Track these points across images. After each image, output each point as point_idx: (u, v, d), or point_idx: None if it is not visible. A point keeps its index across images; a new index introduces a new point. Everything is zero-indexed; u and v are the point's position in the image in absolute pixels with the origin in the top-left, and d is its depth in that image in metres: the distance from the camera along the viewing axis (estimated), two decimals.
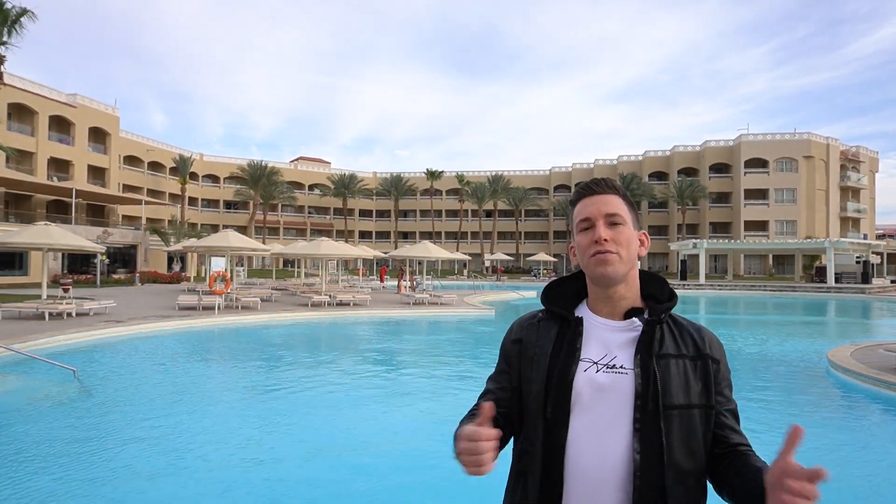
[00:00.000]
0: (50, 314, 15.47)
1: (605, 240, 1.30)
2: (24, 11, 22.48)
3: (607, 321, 1.35)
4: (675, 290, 1.40)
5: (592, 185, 1.39)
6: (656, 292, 1.39)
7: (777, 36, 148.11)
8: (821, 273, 41.82)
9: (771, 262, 56.81)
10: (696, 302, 30.14)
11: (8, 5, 22.09)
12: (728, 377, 1.35)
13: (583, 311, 1.39)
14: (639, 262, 1.39)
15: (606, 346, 1.31)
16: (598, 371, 1.28)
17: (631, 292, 1.36)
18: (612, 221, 1.33)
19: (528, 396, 1.35)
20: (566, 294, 1.44)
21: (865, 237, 56.33)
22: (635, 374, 1.25)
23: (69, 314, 15.78)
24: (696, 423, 1.26)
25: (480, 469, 1.14)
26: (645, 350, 1.27)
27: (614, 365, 1.28)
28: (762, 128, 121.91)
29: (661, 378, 1.24)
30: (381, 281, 40.03)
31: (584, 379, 1.27)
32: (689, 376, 1.28)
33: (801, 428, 1.01)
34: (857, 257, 42.78)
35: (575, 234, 1.40)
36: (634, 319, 1.32)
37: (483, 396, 1.46)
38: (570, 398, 1.27)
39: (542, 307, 1.46)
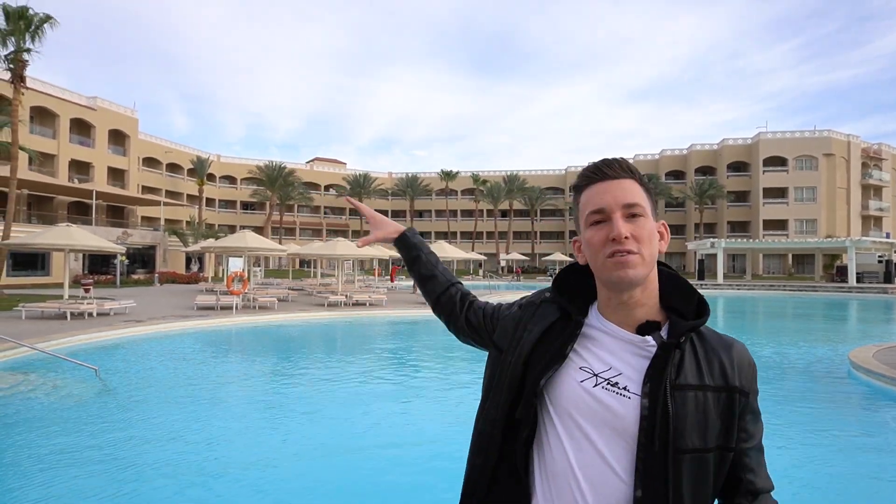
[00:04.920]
0: (72, 314, 15.76)
1: (626, 237, 1.05)
2: (46, 18, 22.87)
3: (617, 330, 1.11)
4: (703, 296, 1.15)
5: (604, 168, 1.12)
6: (681, 304, 1.14)
7: (802, 32, 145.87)
8: (842, 272, 41.15)
9: (791, 261, 55.95)
10: (713, 302, 29.82)
11: (31, 12, 22.49)
12: (756, 406, 1.11)
13: (592, 313, 1.18)
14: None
15: (611, 359, 1.09)
16: (596, 385, 1.07)
17: (650, 299, 1.12)
18: (632, 213, 1.07)
19: (503, 372, 1.22)
20: (582, 289, 1.22)
21: (888, 236, 55.23)
22: (641, 403, 1.03)
23: (90, 314, 16.05)
24: (709, 468, 1.04)
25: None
26: (656, 377, 1.04)
27: (617, 383, 1.06)
28: (785, 126, 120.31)
29: (675, 415, 1.01)
30: (392, 280, 40.27)
31: (580, 391, 1.07)
32: (709, 413, 1.04)
33: None
34: (880, 256, 41.94)
35: (583, 229, 1.13)
36: (649, 338, 1.08)
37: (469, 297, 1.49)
38: (545, 406, 1.12)
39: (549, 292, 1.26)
